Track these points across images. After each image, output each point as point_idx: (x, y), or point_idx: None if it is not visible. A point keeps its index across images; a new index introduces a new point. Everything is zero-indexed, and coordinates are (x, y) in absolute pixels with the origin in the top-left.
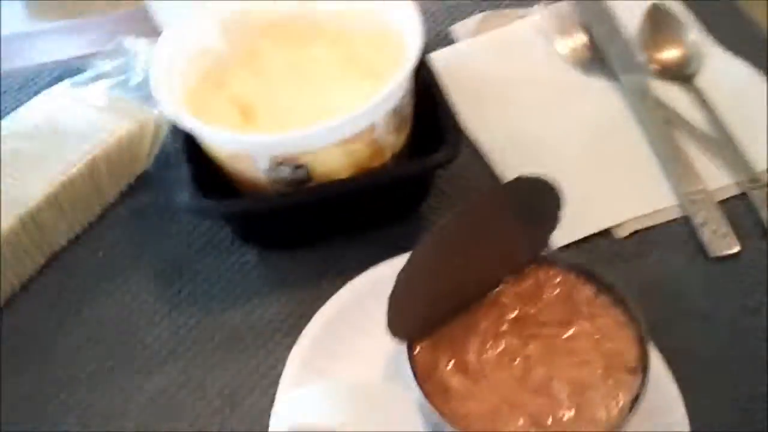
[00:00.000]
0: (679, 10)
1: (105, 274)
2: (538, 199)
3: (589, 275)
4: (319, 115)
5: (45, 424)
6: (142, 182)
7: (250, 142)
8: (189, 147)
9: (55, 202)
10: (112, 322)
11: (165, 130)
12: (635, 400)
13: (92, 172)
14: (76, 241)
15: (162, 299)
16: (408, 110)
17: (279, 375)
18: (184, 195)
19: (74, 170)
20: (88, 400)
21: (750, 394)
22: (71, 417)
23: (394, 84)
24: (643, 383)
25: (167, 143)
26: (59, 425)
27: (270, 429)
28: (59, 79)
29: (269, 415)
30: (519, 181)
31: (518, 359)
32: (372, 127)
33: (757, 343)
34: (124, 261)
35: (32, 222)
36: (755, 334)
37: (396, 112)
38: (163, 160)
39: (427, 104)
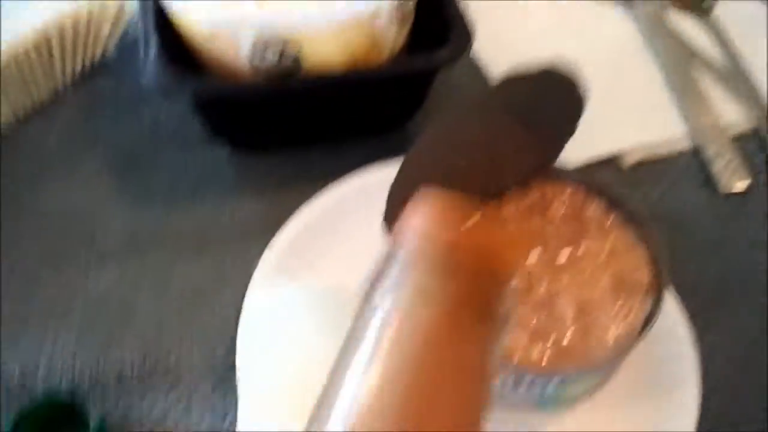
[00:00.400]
0: None
1: (54, 160)
2: (555, 100)
3: (600, 190)
4: None
5: None
6: (102, 68)
7: (233, 15)
8: (160, 25)
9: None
10: (60, 213)
11: (129, 13)
12: (646, 323)
13: (43, 49)
14: (21, 123)
15: (117, 192)
16: (412, 2)
17: (248, 279)
18: (150, 74)
19: (23, 45)
20: (23, 294)
21: (756, 326)
22: (5, 314)
23: None
24: (656, 304)
25: (132, 31)
26: None
27: (239, 328)
28: None
29: (234, 321)
30: (536, 73)
31: (520, 276)
32: (375, 13)
33: (764, 277)
34: (77, 147)
35: None
36: (763, 267)
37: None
38: (126, 48)
39: (434, 7)
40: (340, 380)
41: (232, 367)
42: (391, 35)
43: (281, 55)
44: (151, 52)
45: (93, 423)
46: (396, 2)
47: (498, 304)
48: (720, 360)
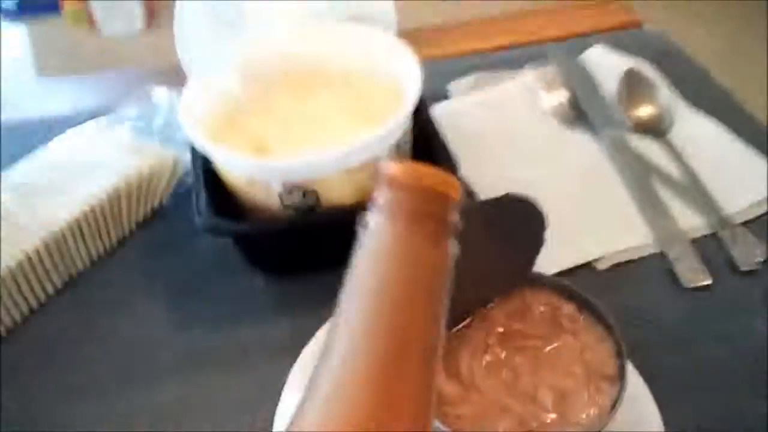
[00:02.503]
0: (653, 74)
1: (120, 296)
2: (522, 220)
3: (572, 294)
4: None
5: (56, 427)
6: (159, 216)
7: (266, 166)
8: (207, 178)
9: (77, 229)
10: (125, 339)
11: (182, 169)
12: (614, 405)
13: (114, 203)
14: (93, 265)
15: (173, 319)
16: (407, 148)
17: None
18: (201, 216)
19: (97, 201)
20: (96, 410)
21: (720, 412)
22: (80, 427)
23: (396, 119)
24: (621, 389)
25: (183, 181)
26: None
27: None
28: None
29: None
30: (502, 199)
31: (506, 369)
32: (376, 159)
33: (728, 368)
34: (139, 284)
35: (55, 245)
36: (726, 359)
37: (397, 147)
38: (179, 195)
39: (425, 144)
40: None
41: None
42: None
43: (304, 195)
44: (201, 200)
45: None
46: (394, 150)
47: (446, 219)
48: None
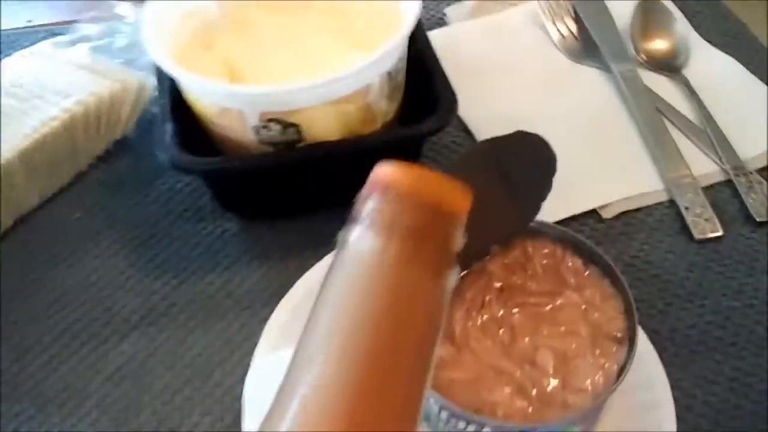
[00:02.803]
0: (669, 5)
1: (75, 238)
2: (531, 163)
3: (577, 246)
4: (305, 74)
5: (1, 388)
6: (121, 147)
7: (242, 93)
8: (174, 106)
9: (28, 160)
10: (79, 288)
11: (148, 95)
12: (621, 370)
13: (69, 131)
14: (47, 202)
15: (135, 265)
16: (401, 78)
17: (254, 345)
18: (167, 152)
19: (49, 128)
20: (43, 372)
21: (731, 374)
22: (23, 390)
23: (390, 45)
24: (629, 353)
25: (149, 110)
26: (16, 392)
27: (243, 395)
28: (42, 40)
29: (241, 388)
30: (511, 137)
31: (503, 329)
32: (366, 89)
33: (739, 324)
34: (97, 225)
35: (3, 179)
36: (737, 314)
37: (391, 76)
38: (144, 127)
39: (421, 74)
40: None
41: None
42: (383, 107)
43: (284, 128)
44: (167, 132)
45: None
46: (386, 80)
47: (450, 244)
48: (697, 407)
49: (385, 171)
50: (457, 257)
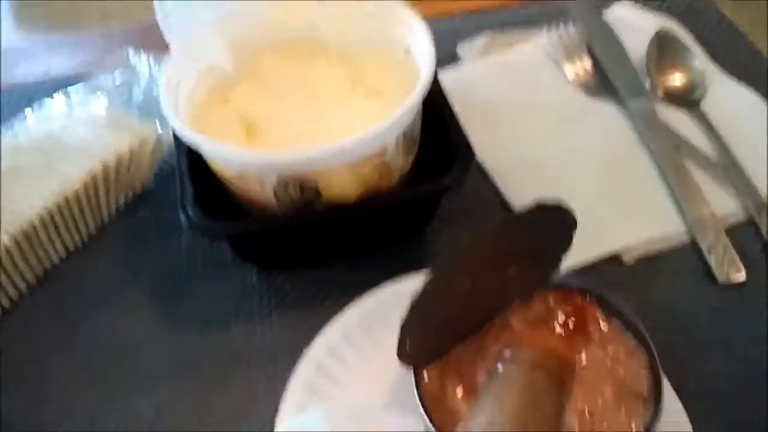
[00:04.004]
0: (685, 37)
1: (100, 291)
2: (552, 225)
3: (598, 299)
4: (323, 134)
5: None
6: (141, 199)
7: (259, 160)
8: (193, 164)
9: (50, 221)
10: (108, 342)
11: (166, 147)
12: (648, 430)
13: (91, 189)
14: (70, 257)
15: (160, 318)
16: (417, 132)
17: (279, 398)
18: (188, 214)
19: (72, 188)
20: (73, 422)
21: (759, 425)
22: None
23: (406, 107)
24: (655, 413)
25: (167, 160)
26: None
27: None
28: (58, 90)
29: None
30: (534, 208)
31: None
32: (383, 150)
33: (765, 374)
34: (121, 278)
35: (26, 242)
36: (763, 363)
37: (406, 134)
38: (163, 176)
39: (436, 122)
40: None
41: None
42: (399, 163)
43: (302, 189)
44: (186, 195)
45: None
46: (402, 138)
47: (569, 380)
48: None
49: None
50: (568, 387)
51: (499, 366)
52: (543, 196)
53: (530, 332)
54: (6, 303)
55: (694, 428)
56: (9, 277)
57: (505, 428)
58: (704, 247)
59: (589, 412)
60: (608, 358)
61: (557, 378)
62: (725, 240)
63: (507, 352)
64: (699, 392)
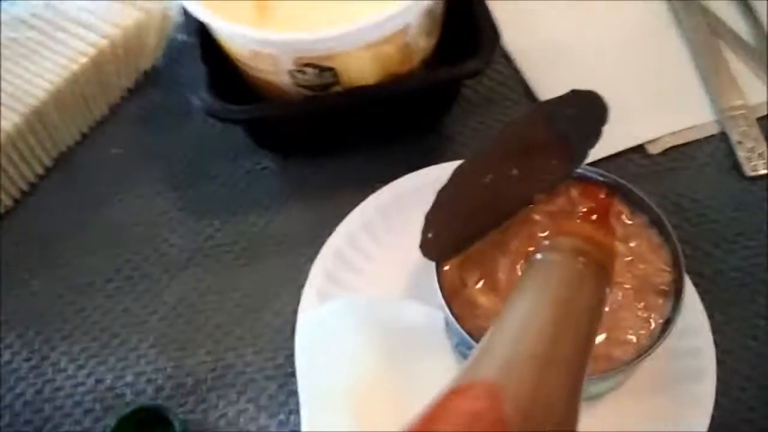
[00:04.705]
0: None
1: (115, 176)
2: (582, 115)
3: (624, 193)
4: (337, 14)
5: (65, 327)
6: (151, 78)
7: (274, 40)
8: (204, 43)
9: (60, 98)
10: (126, 227)
11: (173, 21)
12: (667, 324)
13: (98, 65)
14: (83, 140)
15: (177, 204)
16: (440, 11)
17: (300, 286)
18: (201, 97)
19: (79, 63)
20: (107, 306)
21: None
22: (89, 323)
23: None
24: (675, 307)
25: (176, 37)
26: (78, 330)
27: (296, 340)
28: None
29: (290, 328)
30: (566, 96)
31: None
32: (405, 29)
33: None
34: (135, 162)
35: (38, 121)
36: None
37: (430, 12)
38: (172, 55)
39: (460, 2)
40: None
41: (293, 373)
42: (421, 45)
43: (320, 72)
44: (199, 76)
45: (178, 426)
46: (423, 17)
47: (611, 269)
48: (737, 351)
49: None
50: (611, 277)
51: (538, 255)
52: (572, 85)
53: (552, 226)
54: (24, 186)
55: (711, 324)
56: (24, 159)
57: (546, 317)
58: (733, 139)
59: (610, 305)
60: (630, 253)
61: (600, 266)
62: (756, 131)
63: (545, 241)
64: (717, 284)
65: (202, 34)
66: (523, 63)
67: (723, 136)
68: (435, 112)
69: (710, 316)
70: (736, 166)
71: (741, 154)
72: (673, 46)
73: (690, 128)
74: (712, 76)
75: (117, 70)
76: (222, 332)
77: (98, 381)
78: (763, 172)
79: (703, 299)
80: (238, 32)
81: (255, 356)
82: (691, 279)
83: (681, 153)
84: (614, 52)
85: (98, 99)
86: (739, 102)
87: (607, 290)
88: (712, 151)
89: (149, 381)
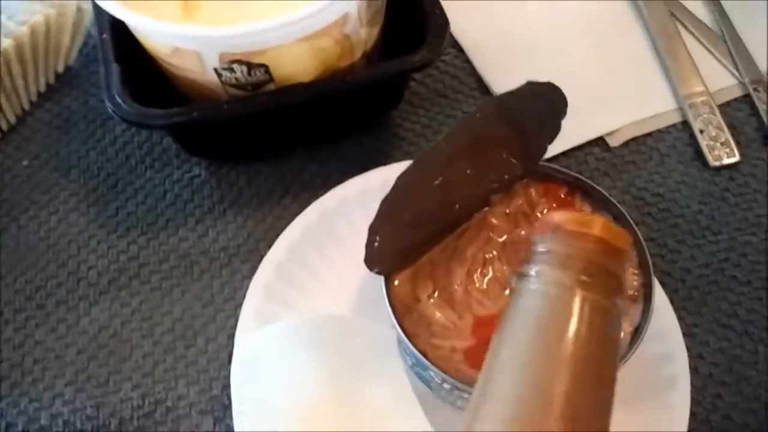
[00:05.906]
0: None
1: (28, 190)
2: (540, 108)
3: (585, 191)
4: (273, 14)
5: None
6: (65, 81)
7: (196, 36)
8: (118, 41)
9: None
10: (38, 249)
11: (88, 18)
12: (636, 332)
13: (4, 66)
14: None
15: (97, 221)
16: None
17: (237, 306)
18: (114, 101)
19: None
20: (17, 339)
21: (746, 317)
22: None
23: None
24: (645, 313)
25: (92, 35)
26: None
27: (232, 369)
28: None
29: (227, 355)
30: (523, 89)
31: (508, 290)
32: (343, 18)
33: (755, 261)
34: (49, 174)
35: None
36: (753, 250)
37: (369, 0)
38: (88, 55)
39: None
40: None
41: (230, 405)
42: (362, 36)
43: (250, 69)
44: (112, 77)
45: None
46: (363, 5)
47: (622, 275)
48: (710, 355)
49: (556, 217)
50: (624, 288)
51: (531, 284)
52: (528, 77)
53: (510, 229)
54: None
55: (679, 319)
56: None
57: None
58: (696, 127)
59: None
60: None
61: (609, 299)
62: (718, 119)
63: (527, 267)
64: (685, 283)
65: (115, 29)
66: (474, 54)
67: (685, 126)
68: (381, 108)
69: (679, 318)
70: (699, 157)
71: (704, 143)
72: (633, 32)
73: (651, 118)
74: (673, 62)
75: (25, 72)
76: (150, 363)
77: (9, 426)
78: (727, 161)
79: (671, 300)
80: (153, 27)
81: (187, 389)
82: (658, 279)
83: (642, 144)
84: (571, 40)
85: (4, 106)
86: (700, 88)
87: (618, 329)
88: (674, 142)
89: (66, 424)
